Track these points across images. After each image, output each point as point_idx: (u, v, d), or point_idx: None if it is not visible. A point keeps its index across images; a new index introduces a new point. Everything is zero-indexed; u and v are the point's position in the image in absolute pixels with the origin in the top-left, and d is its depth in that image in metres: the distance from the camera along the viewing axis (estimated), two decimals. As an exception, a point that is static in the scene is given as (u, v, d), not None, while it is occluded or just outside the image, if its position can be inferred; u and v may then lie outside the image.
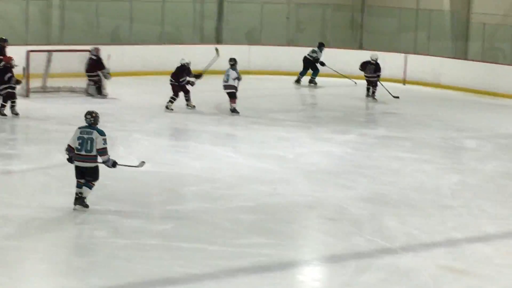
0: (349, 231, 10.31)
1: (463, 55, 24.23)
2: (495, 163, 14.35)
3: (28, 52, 18.61)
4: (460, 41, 24.59)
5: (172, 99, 17.63)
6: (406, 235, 10.18)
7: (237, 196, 11.60)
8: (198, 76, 17.88)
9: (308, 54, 22.74)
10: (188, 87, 17.71)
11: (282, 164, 13.61)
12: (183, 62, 17.71)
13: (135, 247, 9.35)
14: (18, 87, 16.75)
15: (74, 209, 10.43)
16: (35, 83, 18.79)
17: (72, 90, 19.24)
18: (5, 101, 16.32)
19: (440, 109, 20.01)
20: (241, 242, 9.64)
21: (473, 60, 23.47)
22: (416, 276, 8.86)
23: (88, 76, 19.16)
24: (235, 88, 17.45)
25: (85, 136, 10.31)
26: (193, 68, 17.94)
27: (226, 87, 17.54)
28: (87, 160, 10.34)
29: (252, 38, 25.10)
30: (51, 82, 19.21)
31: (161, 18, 24.47)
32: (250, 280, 8.65)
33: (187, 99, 17.86)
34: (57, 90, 19.16)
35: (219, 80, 17.78)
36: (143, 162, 10.95)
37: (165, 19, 24.49)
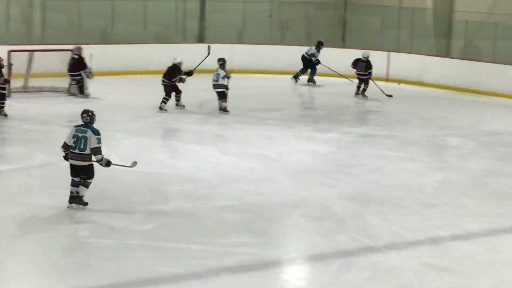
0: (333, 229, 10.31)
1: (446, 53, 24.27)
2: (478, 161, 14.37)
3: (9, 52, 18.47)
4: (442, 39, 24.64)
5: (165, 100, 17.51)
6: (390, 233, 10.18)
7: (221, 196, 11.56)
8: (189, 73, 17.80)
9: (305, 53, 22.66)
10: (179, 85, 17.59)
11: (266, 163, 13.59)
12: (176, 62, 17.57)
13: (118, 247, 9.32)
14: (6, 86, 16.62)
15: (68, 207, 10.41)
16: (16, 83, 18.64)
17: (54, 90, 19.13)
18: None
19: (423, 107, 20.04)
20: (225, 242, 9.61)
21: (456, 58, 23.51)
22: (400, 274, 8.87)
23: (70, 75, 19.04)
24: (226, 87, 17.41)
25: (80, 134, 10.34)
26: (182, 67, 17.84)
27: (216, 86, 17.48)
28: (81, 158, 10.35)
29: (235, 37, 25.05)
30: (33, 82, 19.08)
31: (143, 17, 24.40)
32: (234, 279, 8.63)
33: (178, 99, 17.78)
34: (39, 90, 19.02)
35: (203, 80, 17.68)
36: (135, 162, 10.93)
37: (147, 19, 24.42)
